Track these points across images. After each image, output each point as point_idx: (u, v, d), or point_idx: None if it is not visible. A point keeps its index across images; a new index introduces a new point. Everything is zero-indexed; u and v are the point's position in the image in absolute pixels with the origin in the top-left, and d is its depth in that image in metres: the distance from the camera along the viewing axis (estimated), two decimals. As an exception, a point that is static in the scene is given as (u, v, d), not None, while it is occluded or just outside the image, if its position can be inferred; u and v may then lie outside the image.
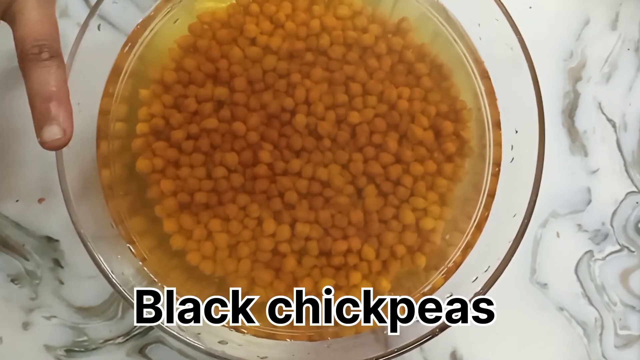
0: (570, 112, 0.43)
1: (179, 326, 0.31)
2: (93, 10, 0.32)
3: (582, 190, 0.42)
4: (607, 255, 0.42)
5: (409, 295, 0.35)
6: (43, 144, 0.27)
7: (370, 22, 0.36)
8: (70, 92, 0.31)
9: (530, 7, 0.43)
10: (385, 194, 0.35)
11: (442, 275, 0.35)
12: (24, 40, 0.27)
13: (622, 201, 0.43)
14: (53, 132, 0.27)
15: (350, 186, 0.34)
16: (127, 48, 0.35)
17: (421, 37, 0.37)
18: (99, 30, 0.33)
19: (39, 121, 0.27)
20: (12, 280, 0.39)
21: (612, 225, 0.42)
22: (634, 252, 0.42)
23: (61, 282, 0.39)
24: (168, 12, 0.36)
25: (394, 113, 0.35)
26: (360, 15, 0.36)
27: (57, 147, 0.28)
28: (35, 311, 0.39)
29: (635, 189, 0.43)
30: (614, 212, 0.42)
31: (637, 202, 0.43)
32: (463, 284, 0.33)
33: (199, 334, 0.32)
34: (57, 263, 0.39)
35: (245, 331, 0.34)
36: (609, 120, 0.43)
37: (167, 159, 0.34)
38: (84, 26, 0.32)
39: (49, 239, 0.39)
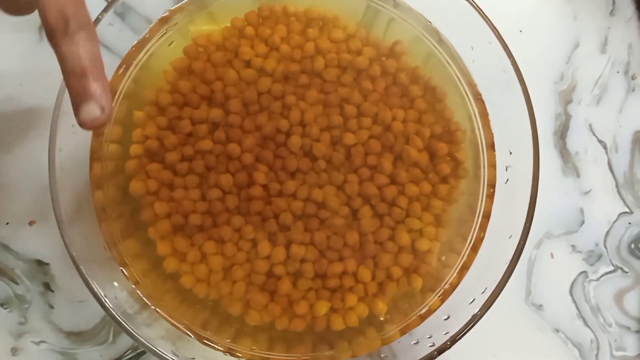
0: (562, 134, 0.43)
1: (173, 351, 0.31)
2: (88, 32, 0.32)
3: (575, 211, 0.43)
4: (602, 276, 0.42)
5: (405, 317, 0.35)
6: (82, 124, 0.25)
7: (364, 45, 0.37)
8: (63, 114, 0.31)
9: (521, 31, 0.44)
10: (381, 215, 0.35)
11: (439, 297, 0.35)
12: (46, 13, 0.25)
13: (614, 222, 0.43)
14: (91, 111, 0.25)
15: (346, 207, 0.34)
16: (121, 70, 0.35)
17: (414, 59, 0.37)
18: (94, 52, 0.33)
19: (74, 100, 0.25)
20: (1, 305, 0.38)
21: (605, 246, 0.42)
22: (627, 272, 0.42)
23: (51, 307, 0.38)
24: (163, 35, 0.37)
25: (388, 134, 0.35)
26: (354, 38, 0.37)
27: (96, 126, 0.26)
28: (24, 336, 0.38)
29: (627, 210, 0.43)
30: (607, 233, 0.43)
31: (629, 223, 0.43)
32: (460, 306, 0.33)
33: (193, 358, 0.32)
34: (47, 287, 0.39)
35: (240, 355, 0.33)
36: (600, 141, 0.44)
37: (161, 180, 0.34)
38: (79, 48, 0.32)
39: (39, 262, 0.39)
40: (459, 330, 0.31)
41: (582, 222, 0.42)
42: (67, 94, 0.31)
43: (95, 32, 0.26)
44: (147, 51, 0.36)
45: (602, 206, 0.43)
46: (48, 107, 0.31)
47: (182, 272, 0.34)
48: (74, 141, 0.32)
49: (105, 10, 0.32)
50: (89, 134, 0.34)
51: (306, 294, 0.34)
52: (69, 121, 0.31)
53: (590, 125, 0.44)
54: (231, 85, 0.35)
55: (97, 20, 0.32)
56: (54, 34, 0.25)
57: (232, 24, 0.37)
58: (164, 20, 0.36)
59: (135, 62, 0.36)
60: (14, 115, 0.40)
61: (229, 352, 0.34)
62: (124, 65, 0.35)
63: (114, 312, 0.30)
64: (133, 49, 0.36)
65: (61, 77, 0.31)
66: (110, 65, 0.35)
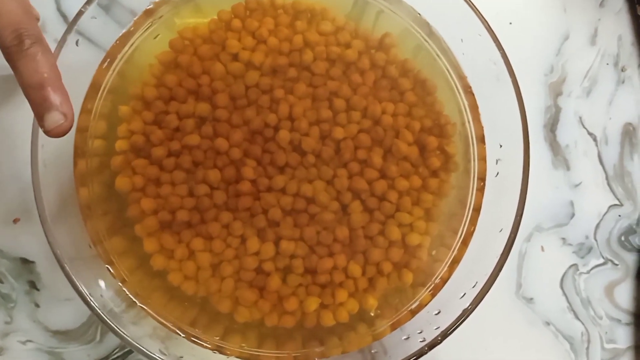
0: (552, 127, 0.43)
1: (160, 350, 0.30)
2: (71, 25, 0.31)
3: (566, 203, 0.43)
4: (592, 269, 0.42)
5: (396, 312, 0.35)
6: (48, 132, 0.27)
7: (353, 38, 0.36)
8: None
9: (511, 23, 0.44)
10: (371, 209, 0.34)
11: (430, 291, 0.35)
12: (1, 34, 0.27)
13: (605, 214, 0.43)
14: (54, 119, 0.27)
15: (336, 202, 0.34)
16: (106, 64, 0.35)
17: (404, 52, 0.37)
18: (77, 45, 0.32)
19: (38, 111, 0.27)
20: (-14, 304, 0.38)
21: (595, 239, 0.42)
22: (618, 265, 0.42)
23: (37, 305, 0.38)
24: (148, 28, 0.36)
25: (378, 128, 0.35)
26: (343, 31, 0.36)
27: (61, 132, 0.27)
28: (10, 335, 0.37)
29: (617, 202, 0.43)
30: (597, 226, 0.43)
31: (619, 215, 0.43)
32: (451, 301, 0.33)
33: (182, 357, 0.31)
34: (33, 285, 0.38)
35: (230, 353, 0.33)
36: (590, 134, 0.43)
37: (147, 176, 0.34)
38: (62, 42, 0.31)
39: (25, 261, 0.38)
40: (450, 325, 0.31)
41: (573, 215, 0.42)
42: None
43: (47, 44, 0.28)
44: (132, 44, 0.35)
45: (592, 199, 0.43)
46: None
47: (170, 269, 0.33)
48: (57, 137, 0.32)
49: (88, 2, 0.32)
50: (72, 130, 0.33)
51: (296, 290, 0.34)
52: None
53: (580, 118, 0.43)
54: (218, 79, 0.35)
55: (80, 13, 0.32)
56: (11, 51, 0.27)
57: (218, 17, 0.36)
58: (149, 13, 0.36)
59: (120, 56, 0.35)
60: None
61: (218, 349, 0.33)
62: (108, 59, 0.35)
63: (99, 311, 0.30)
64: (117, 42, 0.35)
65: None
66: (94, 59, 0.35)
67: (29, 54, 0.27)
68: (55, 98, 0.27)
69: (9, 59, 0.27)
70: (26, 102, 0.27)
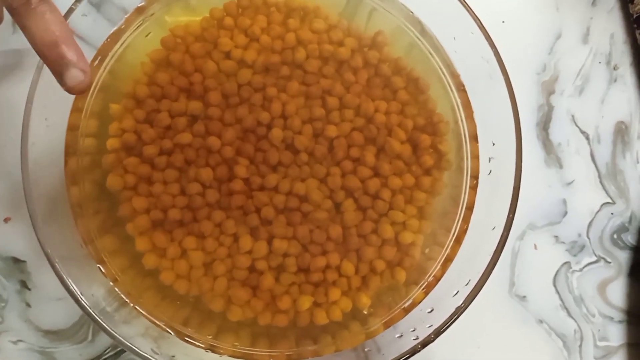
0: (544, 125, 0.43)
1: (152, 349, 0.30)
2: (61, 23, 0.31)
3: (558, 202, 0.43)
4: (584, 267, 0.42)
5: (389, 310, 0.35)
6: (70, 90, 0.27)
7: (346, 36, 0.36)
8: (38, 107, 0.30)
9: (503, 22, 0.44)
10: (364, 208, 0.34)
11: (423, 290, 0.35)
12: None
13: (597, 212, 0.43)
14: (74, 75, 0.27)
15: (329, 201, 0.34)
16: (97, 62, 0.34)
17: (397, 50, 0.37)
18: (67, 43, 0.32)
19: (56, 69, 0.27)
20: (-24, 304, 0.37)
21: (588, 237, 0.43)
22: (610, 263, 0.42)
23: (28, 305, 0.37)
24: (140, 26, 0.36)
25: (371, 126, 0.35)
26: (336, 29, 0.36)
27: (83, 89, 0.27)
28: (1, 335, 0.37)
29: (610, 200, 0.43)
30: (590, 224, 0.43)
31: (612, 213, 0.43)
32: (444, 299, 0.33)
33: (174, 356, 0.31)
34: (24, 285, 0.38)
35: (222, 352, 0.33)
36: (583, 132, 0.44)
37: (139, 175, 0.33)
38: (52, 39, 0.31)
39: (16, 260, 0.38)
40: (442, 323, 0.31)
41: (565, 213, 0.43)
42: (39, 86, 0.30)
43: (54, 3, 0.27)
44: (123, 42, 0.35)
45: (585, 197, 0.43)
46: (21, 99, 0.30)
47: (162, 268, 0.33)
48: (48, 135, 0.32)
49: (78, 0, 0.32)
50: (63, 128, 0.33)
51: (289, 289, 0.33)
52: (42, 114, 0.30)
53: (573, 116, 0.44)
54: (210, 77, 0.34)
55: (70, 10, 0.31)
56: (18, 11, 0.26)
57: (210, 15, 0.36)
58: (140, 11, 0.35)
59: (111, 54, 0.35)
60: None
61: (211, 349, 0.33)
62: (99, 57, 0.35)
63: (90, 311, 0.29)
64: (108, 40, 0.35)
65: (33, 69, 0.30)
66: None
67: (38, 12, 0.26)
68: (71, 55, 0.27)
69: (17, 20, 0.27)
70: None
